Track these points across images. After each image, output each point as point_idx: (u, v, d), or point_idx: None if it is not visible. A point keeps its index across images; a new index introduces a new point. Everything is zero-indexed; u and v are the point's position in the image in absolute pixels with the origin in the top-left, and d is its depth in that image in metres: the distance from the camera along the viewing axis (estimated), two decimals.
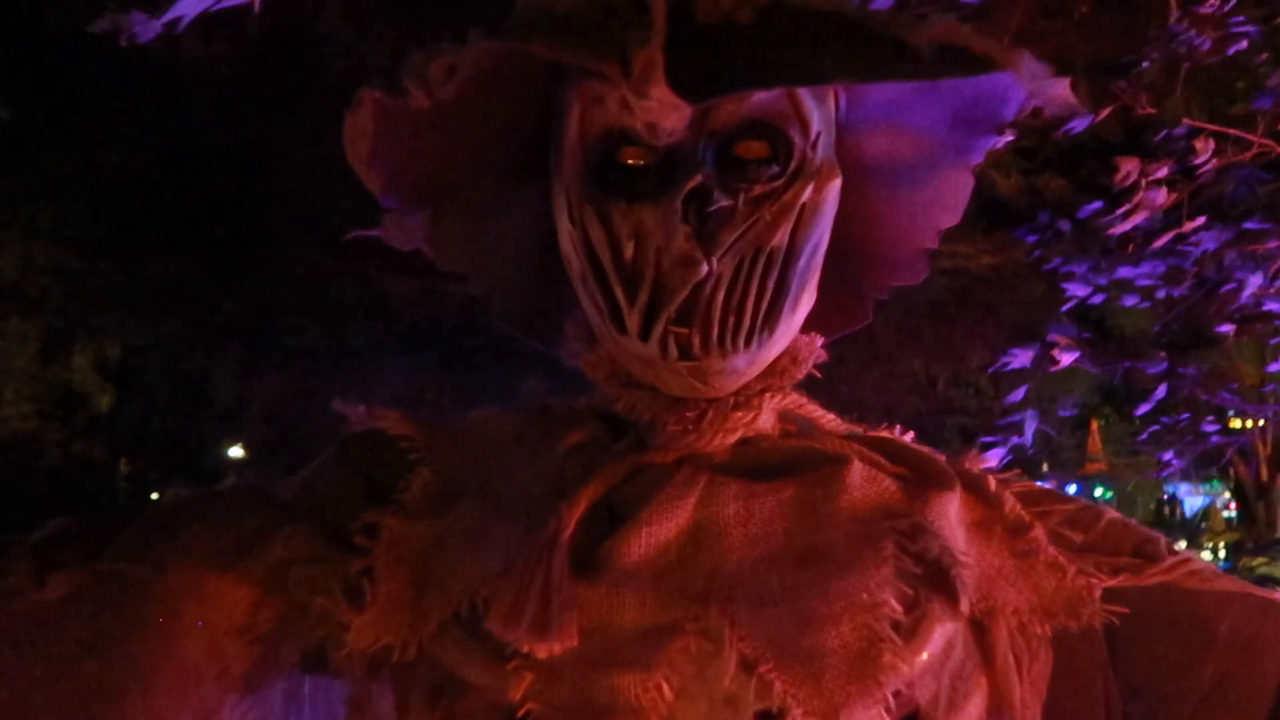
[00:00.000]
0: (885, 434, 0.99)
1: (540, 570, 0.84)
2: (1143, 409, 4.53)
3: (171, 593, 0.91)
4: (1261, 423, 8.75)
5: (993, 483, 0.96)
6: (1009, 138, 0.99)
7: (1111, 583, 0.94)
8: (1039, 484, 1.00)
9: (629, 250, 0.87)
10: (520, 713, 0.83)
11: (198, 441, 11.40)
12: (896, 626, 0.85)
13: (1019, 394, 4.10)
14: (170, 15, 1.89)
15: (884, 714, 0.83)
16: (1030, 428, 3.97)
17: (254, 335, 8.38)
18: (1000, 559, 0.94)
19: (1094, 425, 11.02)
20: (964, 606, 0.89)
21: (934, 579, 0.88)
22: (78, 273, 9.23)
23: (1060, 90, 0.87)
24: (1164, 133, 3.51)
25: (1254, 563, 8.29)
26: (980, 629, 0.92)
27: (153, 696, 0.89)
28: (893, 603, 0.85)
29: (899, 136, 0.98)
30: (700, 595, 0.85)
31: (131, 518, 0.94)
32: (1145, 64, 3.27)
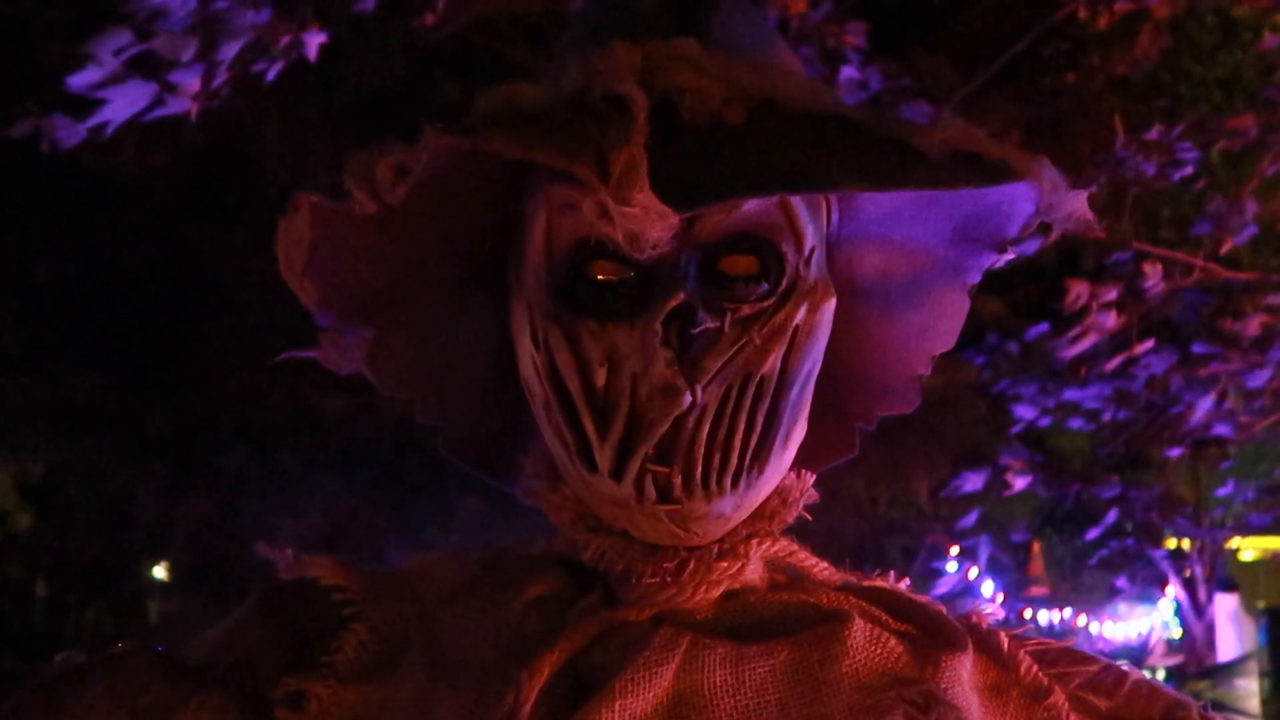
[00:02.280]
0: (882, 584, 0.88)
1: None
2: (1093, 533, 4.48)
3: None
4: (1199, 545, 8.80)
5: (1006, 641, 0.85)
6: (1009, 257, 0.91)
7: None
8: (1056, 641, 0.89)
9: (601, 377, 0.77)
10: None
11: (119, 563, 10.99)
12: None
13: (971, 519, 4.03)
14: (96, 120, 1.79)
15: None
16: (984, 553, 3.89)
17: (181, 454, 8.14)
18: None
19: (1036, 548, 10.99)
20: None
21: None
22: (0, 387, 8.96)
23: (1077, 204, 0.79)
24: (1114, 256, 3.52)
25: (1199, 687, 8.23)
26: None
27: None
28: None
29: (893, 254, 0.89)
30: None
31: (10, 688, 0.81)
32: (1093, 188, 3.29)
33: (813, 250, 0.81)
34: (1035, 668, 0.84)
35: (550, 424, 0.80)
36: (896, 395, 0.94)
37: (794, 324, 0.79)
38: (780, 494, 0.83)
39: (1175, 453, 3.97)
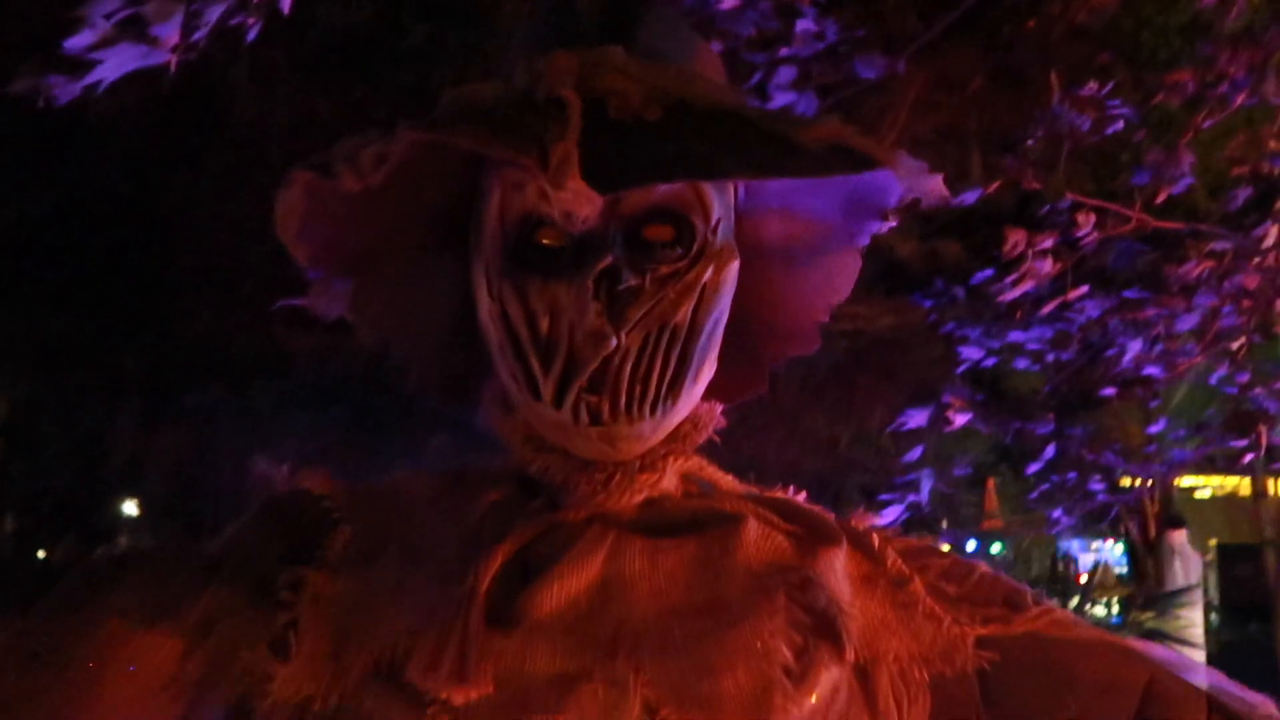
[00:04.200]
0: (780, 494, 1.07)
1: (458, 622, 0.90)
2: (1033, 468, 4.71)
3: (99, 649, 0.94)
4: (1150, 482, 9.07)
5: (877, 539, 1.04)
6: (892, 224, 1.08)
7: (983, 631, 1.02)
8: (917, 539, 1.08)
9: (544, 324, 0.94)
10: None
11: (91, 499, 11.10)
12: (788, 672, 0.92)
13: (916, 453, 4.25)
14: (90, 79, 1.92)
15: None
16: (926, 486, 4.11)
17: (153, 392, 8.24)
18: (883, 610, 1.02)
19: (990, 483, 11.31)
20: (849, 654, 0.96)
21: (822, 628, 0.95)
22: None
23: (934, 185, 0.96)
24: (1048, 207, 3.70)
25: (1143, 616, 8.52)
26: (864, 674, 0.99)
27: None
28: (784, 650, 0.92)
29: (793, 221, 1.06)
30: (608, 644, 0.91)
31: (66, 573, 0.98)
32: (1030, 141, 3.46)
33: (719, 221, 0.98)
34: (899, 560, 1.03)
35: (503, 362, 0.98)
36: (800, 339, 1.12)
37: (702, 282, 0.96)
38: (692, 420, 1.01)
39: (1108, 392, 4.19)
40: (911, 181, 0.95)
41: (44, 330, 8.06)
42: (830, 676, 0.95)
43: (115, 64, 1.94)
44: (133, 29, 1.94)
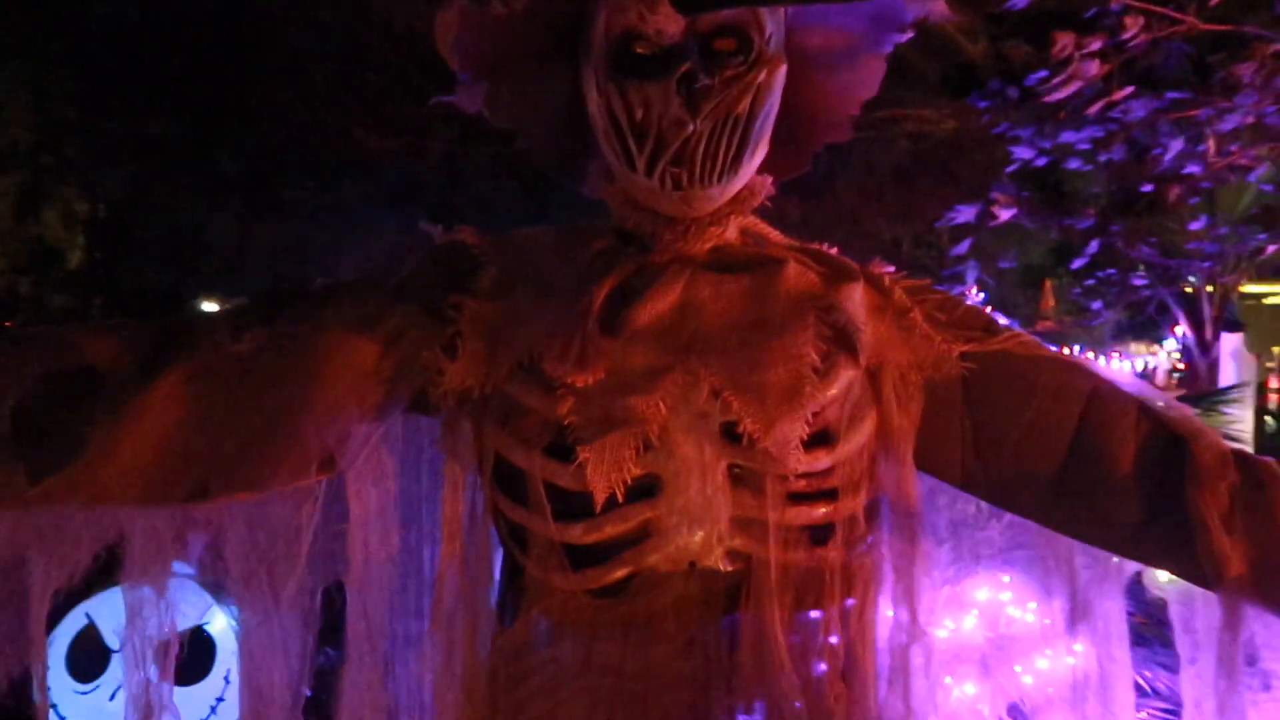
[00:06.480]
0: (816, 246, 1.40)
1: (579, 328, 1.26)
2: (1077, 263, 4.95)
3: (325, 347, 1.32)
4: (1210, 287, 9.19)
5: (887, 279, 1.38)
6: (910, 35, 1.38)
7: (965, 348, 1.36)
8: (920, 280, 1.41)
9: (639, 114, 1.27)
10: (565, 423, 1.25)
11: (190, 294, 11.65)
12: (815, 370, 1.27)
13: (963, 246, 4.51)
14: None
15: (804, 426, 1.25)
16: (971, 276, 4.39)
17: (249, 190, 8.61)
18: (889, 331, 1.36)
19: (1048, 285, 11.52)
20: (862, 360, 1.31)
21: (842, 340, 1.30)
22: (65, 126, 9.36)
23: (938, 6, 1.26)
24: (1094, 10, 3.85)
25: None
26: (873, 377, 1.34)
27: (312, 418, 1.31)
28: (812, 354, 1.27)
29: (830, 33, 1.37)
30: (684, 347, 1.27)
31: (297, 296, 1.35)
32: None
33: (771, 35, 1.29)
34: (903, 294, 1.37)
35: (607, 143, 1.31)
36: (835, 128, 1.44)
37: (758, 82, 1.28)
38: (750, 188, 1.34)
39: (1147, 189, 4.38)
40: (918, 6, 1.25)
41: (141, 132, 8.41)
42: (846, 375, 1.30)
43: None
44: None
